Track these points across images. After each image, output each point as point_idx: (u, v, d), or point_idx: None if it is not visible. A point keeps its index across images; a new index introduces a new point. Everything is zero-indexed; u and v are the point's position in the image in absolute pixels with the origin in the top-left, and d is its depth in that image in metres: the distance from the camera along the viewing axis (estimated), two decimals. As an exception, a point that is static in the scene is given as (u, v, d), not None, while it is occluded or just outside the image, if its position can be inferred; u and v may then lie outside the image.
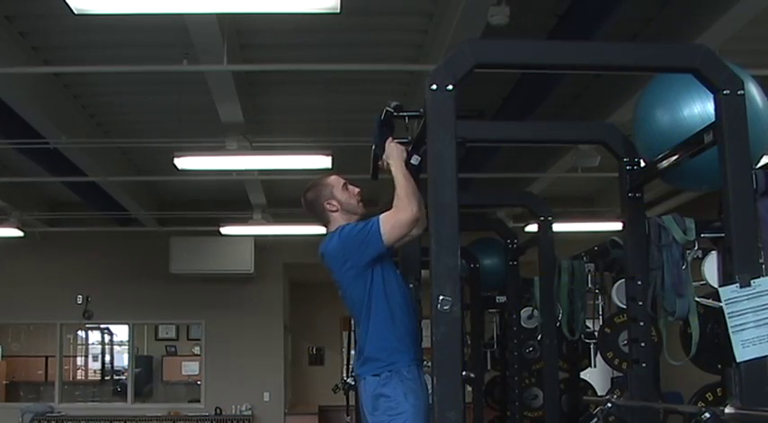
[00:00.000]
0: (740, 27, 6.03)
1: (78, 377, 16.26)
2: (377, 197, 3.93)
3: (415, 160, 3.77)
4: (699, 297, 3.92)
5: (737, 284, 2.89)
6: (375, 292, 3.77)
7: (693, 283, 3.90)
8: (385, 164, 3.76)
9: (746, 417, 2.74)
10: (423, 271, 4.01)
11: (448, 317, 2.71)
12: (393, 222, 3.62)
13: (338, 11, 4.84)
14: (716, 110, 3.02)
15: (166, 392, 15.62)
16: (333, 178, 4.03)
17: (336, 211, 3.95)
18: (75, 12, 4.80)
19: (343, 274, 3.83)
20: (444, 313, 2.71)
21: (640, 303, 3.85)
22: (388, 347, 3.74)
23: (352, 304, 3.86)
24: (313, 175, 8.94)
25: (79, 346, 16.32)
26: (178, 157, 8.00)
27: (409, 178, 3.64)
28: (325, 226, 4.03)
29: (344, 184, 4.00)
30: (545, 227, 5.32)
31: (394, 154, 3.72)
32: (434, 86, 2.84)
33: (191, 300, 13.57)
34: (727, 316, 2.91)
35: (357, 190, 4.02)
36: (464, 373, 2.85)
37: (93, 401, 15.14)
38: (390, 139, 3.77)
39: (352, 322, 4.06)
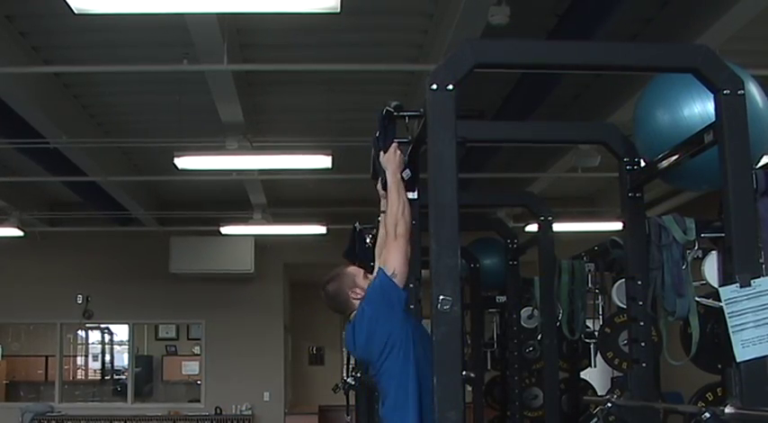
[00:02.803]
0: (740, 27, 6.03)
1: (78, 377, 16.27)
2: (377, 197, 3.92)
3: (405, 175, 3.78)
4: (699, 297, 3.92)
5: (737, 284, 2.88)
6: (410, 373, 3.54)
7: (693, 283, 3.90)
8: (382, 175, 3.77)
9: (747, 417, 2.74)
10: (423, 271, 4.01)
11: (448, 316, 2.71)
12: (394, 254, 3.56)
13: (338, 11, 4.85)
14: (716, 110, 3.01)
15: (166, 392, 15.62)
16: (352, 268, 3.99)
17: (359, 298, 3.80)
18: (76, 11, 4.80)
19: (380, 342, 3.58)
20: (444, 313, 2.71)
21: (640, 303, 3.85)
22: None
23: (392, 374, 3.57)
24: (313, 174, 9.00)
25: (79, 346, 16.32)
26: (178, 156, 8.01)
27: (402, 194, 3.62)
28: (349, 314, 3.86)
29: (364, 273, 3.93)
30: (545, 227, 5.31)
31: (392, 163, 3.72)
32: (435, 86, 2.83)
33: (191, 299, 13.58)
34: (727, 316, 2.91)
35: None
36: (464, 372, 2.84)
37: (93, 401, 15.15)
38: (395, 146, 3.76)
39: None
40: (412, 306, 4.07)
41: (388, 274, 3.58)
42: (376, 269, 3.68)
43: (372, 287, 3.66)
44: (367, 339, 3.64)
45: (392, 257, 3.59)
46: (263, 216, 11.55)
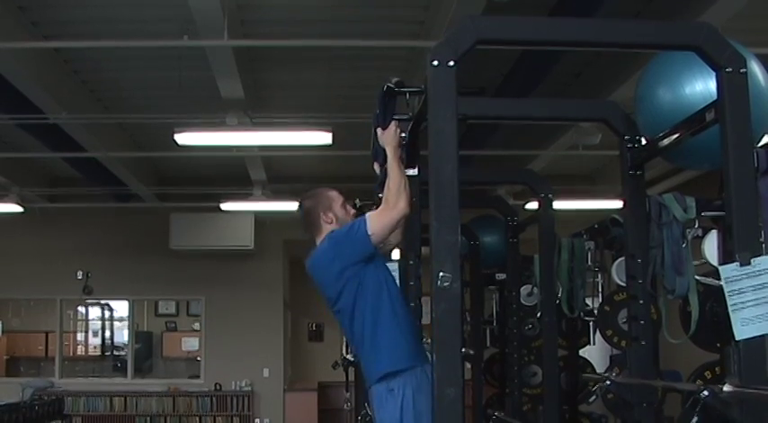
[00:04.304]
0: (743, 5, 6.00)
1: (78, 353, 16.32)
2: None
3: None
4: (698, 275, 3.92)
5: (737, 263, 2.89)
6: (376, 296, 3.79)
7: (693, 262, 3.90)
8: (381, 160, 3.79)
9: (745, 395, 2.75)
10: (423, 248, 4.01)
11: (448, 293, 2.71)
12: (383, 220, 3.66)
13: (339, -14, 4.83)
14: (718, 88, 3.01)
15: (166, 368, 15.68)
16: (334, 193, 4.06)
17: (331, 223, 3.97)
18: (75, -14, 4.78)
19: (334, 279, 3.84)
20: (444, 290, 2.71)
21: (640, 281, 3.85)
22: (403, 355, 3.75)
23: (350, 313, 3.89)
24: (313, 151, 8.99)
25: (79, 322, 16.34)
26: (178, 132, 7.99)
27: (403, 170, 3.66)
28: (315, 236, 4.02)
29: (344, 201, 4.04)
30: (545, 204, 5.31)
31: (391, 141, 3.73)
32: (436, 62, 2.82)
33: (191, 276, 13.60)
34: (726, 294, 2.91)
35: (354, 211, 4.06)
36: (463, 349, 2.85)
37: (93, 377, 15.18)
38: (394, 124, 3.76)
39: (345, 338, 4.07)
40: (412, 283, 4.09)
41: (368, 231, 3.67)
42: (367, 217, 3.75)
43: (350, 227, 3.78)
44: (329, 264, 3.84)
45: (380, 221, 3.68)
46: (263, 192, 11.55)
